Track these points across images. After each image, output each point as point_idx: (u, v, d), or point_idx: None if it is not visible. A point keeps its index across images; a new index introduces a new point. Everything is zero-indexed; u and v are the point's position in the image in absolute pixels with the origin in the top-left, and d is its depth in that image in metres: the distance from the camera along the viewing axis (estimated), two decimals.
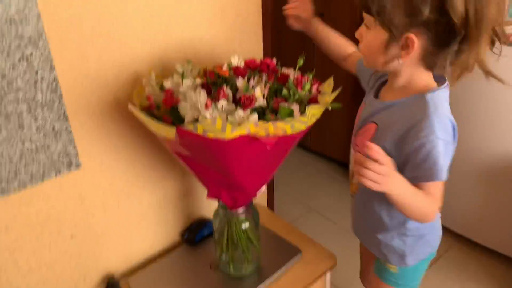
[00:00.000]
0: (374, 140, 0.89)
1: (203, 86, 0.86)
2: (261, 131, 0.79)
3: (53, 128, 0.91)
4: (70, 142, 0.95)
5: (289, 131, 0.82)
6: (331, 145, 2.79)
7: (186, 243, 1.25)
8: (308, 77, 0.90)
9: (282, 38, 2.59)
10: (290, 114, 0.82)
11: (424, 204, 0.84)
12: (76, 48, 0.89)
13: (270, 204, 1.57)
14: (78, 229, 1.04)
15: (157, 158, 1.14)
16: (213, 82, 0.91)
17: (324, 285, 1.23)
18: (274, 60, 0.97)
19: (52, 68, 0.86)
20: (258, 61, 0.96)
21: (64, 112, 0.91)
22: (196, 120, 0.80)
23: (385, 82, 0.96)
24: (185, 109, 0.81)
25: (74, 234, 1.04)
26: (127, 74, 0.99)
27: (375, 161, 0.72)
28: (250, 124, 0.76)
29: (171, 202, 1.22)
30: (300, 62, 0.94)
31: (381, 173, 0.73)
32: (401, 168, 0.82)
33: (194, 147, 0.85)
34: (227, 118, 0.79)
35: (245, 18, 1.18)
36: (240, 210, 1.04)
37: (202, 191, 1.28)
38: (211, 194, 1.01)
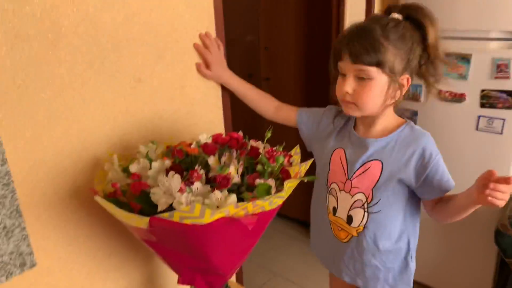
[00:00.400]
0: (383, 176, 1.01)
1: (172, 168, 0.83)
2: (240, 212, 0.75)
3: (4, 227, 0.81)
4: (24, 239, 0.85)
5: (268, 208, 0.79)
6: (289, 204, 2.78)
7: None
8: (279, 151, 0.89)
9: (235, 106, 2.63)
10: (268, 190, 0.80)
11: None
12: (30, 137, 0.82)
13: (239, 278, 1.50)
14: None
15: (120, 244, 1.05)
16: (182, 161, 0.87)
17: None
18: (241, 133, 0.97)
19: (3, 160, 0.79)
20: (225, 136, 0.94)
21: (17, 207, 0.82)
22: (170, 206, 0.75)
23: (344, 127, 1.11)
24: (157, 195, 0.76)
25: None
26: (86, 159, 0.93)
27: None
28: (229, 206, 0.73)
29: None
30: (268, 134, 0.94)
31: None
32: (421, 189, 1.01)
33: (167, 234, 0.79)
34: (203, 201, 0.75)
35: (205, 92, 1.18)
36: None
37: (169, 276, 1.19)
38: (183, 280, 0.93)
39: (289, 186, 0.83)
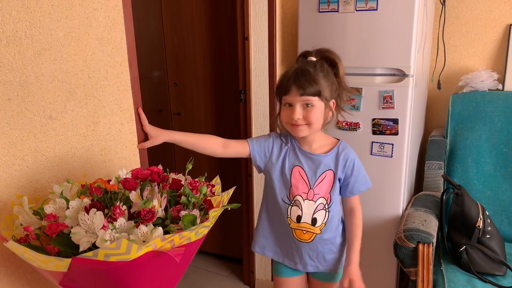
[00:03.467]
0: (335, 181, 1.34)
1: (92, 205, 0.80)
2: (166, 245, 0.76)
3: None
4: None
5: (194, 238, 0.81)
6: (205, 239, 2.76)
7: None
8: (202, 181, 0.92)
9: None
10: (193, 220, 0.81)
11: (360, 228, 1.40)
12: None
13: None
14: None
15: None
16: (100, 198, 0.85)
17: None
18: (160, 167, 0.97)
19: None
20: (145, 170, 0.94)
21: None
22: (92, 245, 0.73)
23: (292, 148, 1.36)
24: (79, 234, 0.73)
25: None
26: None
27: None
28: (156, 240, 0.73)
29: None
30: (189, 166, 0.97)
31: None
32: (348, 184, 1.35)
33: (90, 275, 0.76)
34: (128, 237, 0.74)
35: (119, 128, 1.17)
36: None
37: None
38: None
39: (214, 215, 0.85)
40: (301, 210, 1.35)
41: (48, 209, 0.81)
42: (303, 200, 1.35)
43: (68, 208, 0.80)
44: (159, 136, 1.25)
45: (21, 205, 0.83)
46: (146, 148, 1.28)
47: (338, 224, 1.42)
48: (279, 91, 1.27)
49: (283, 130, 1.39)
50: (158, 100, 2.64)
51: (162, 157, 2.54)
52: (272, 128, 2.11)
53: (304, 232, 1.37)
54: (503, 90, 2.14)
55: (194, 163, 1.00)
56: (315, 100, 1.23)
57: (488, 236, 1.76)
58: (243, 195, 2.36)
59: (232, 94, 2.36)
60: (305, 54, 1.33)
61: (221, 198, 0.96)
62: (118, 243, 0.68)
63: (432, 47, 2.27)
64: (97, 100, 1.09)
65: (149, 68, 2.64)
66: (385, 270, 2.04)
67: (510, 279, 1.66)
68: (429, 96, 2.35)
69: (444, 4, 2.19)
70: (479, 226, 1.73)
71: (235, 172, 2.43)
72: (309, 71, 1.22)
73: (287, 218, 1.38)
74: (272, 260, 1.52)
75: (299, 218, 1.36)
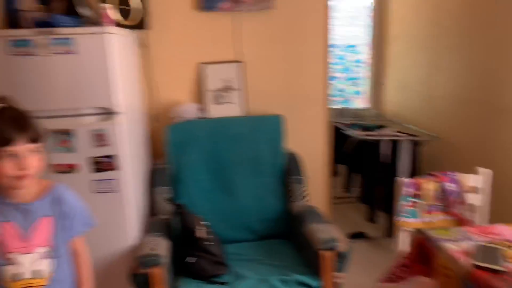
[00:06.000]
0: (57, 226, 1.29)
1: None
2: None
3: None
4: None
5: None
6: None
7: None
8: None
9: None
10: None
11: (87, 269, 1.41)
12: None
13: None
14: None
15: None
16: None
17: None
18: None
19: None
20: None
21: None
22: None
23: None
24: None
25: None
26: None
27: None
28: None
29: None
30: None
31: None
32: (66, 227, 1.32)
33: None
34: None
35: None
36: None
37: None
38: None
39: None
40: (19, 267, 1.24)
41: None
42: (20, 255, 1.24)
43: None
44: None
45: None
46: None
47: (69, 269, 1.37)
48: None
49: None
50: None
51: None
52: None
53: None
54: (206, 118, 2.54)
55: None
56: (39, 146, 1.22)
57: (210, 243, 2.05)
58: None
59: None
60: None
61: None
62: None
63: (145, 85, 2.49)
64: None
65: None
66: None
67: (231, 275, 1.96)
68: (151, 129, 2.55)
69: (148, 47, 2.45)
70: (199, 236, 1.99)
71: None
72: (26, 115, 1.20)
73: (2, 281, 1.24)
74: None
75: (17, 276, 1.24)
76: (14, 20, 2.09)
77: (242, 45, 2.56)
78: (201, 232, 2.00)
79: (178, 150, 2.38)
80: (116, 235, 2.00)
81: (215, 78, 2.55)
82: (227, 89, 2.55)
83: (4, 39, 1.77)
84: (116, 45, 1.88)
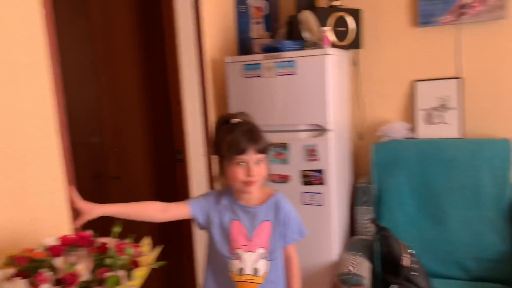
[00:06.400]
0: (273, 230, 1.40)
1: (17, 274, 0.82)
2: None
3: None
4: None
5: None
6: None
7: None
8: (129, 242, 0.97)
9: None
10: (117, 281, 0.86)
11: (297, 275, 1.49)
12: None
13: None
14: None
15: None
16: (26, 268, 0.87)
17: None
18: (91, 232, 1.01)
19: None
20: (73, 236, 0.98)
21: None
22: None
23: (228, 203, 1.42)
24: None
25: None
26: None
27: None
28: None
29: None
30: (117, 230, 1.01)
31: None
32: (282, 234, 1.42)
33: None
34: None
35: (49, 197, 1.20)
36: None
37: None
38: None
39: (139, 274, 0.90)
40: (243, 262, 1.39)
41: None
42: (244, 252, 1.40)
43: None
44: (92, 211, 1.24)
45: None
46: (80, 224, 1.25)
47: (281, 272, 1.47)
48: (232, 151, 1.32)
49: (225, 187, 1.45)
50: (95, 165, 2.65)
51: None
52: (211, 186, 2.19)
53: (247, 283, 1.40)
54: (415, 138, 2.39)
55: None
56: (264, 157, 1.35)
57: (415, 273, 1.90)
58: (184, 253, 2.37)
59: (169, 154, 2.44)
60: (229, 117, 1.41)
61: (150, 258, 1.00)
62: None
63: (353, 103, 2.52)
64: (28, 172, 1.13)
65: (87, 134, 2.67)
66: None
67: None
68: (355, 146, 2.56)
69: (358, 65, 2.47)
70: (404, 264, 1.87)
71: (182, 228, 2.44)
72: (258, 130, 1.37)
73: (230, 272, 1.41)
74: None
75: (241, 270, 1.40)
76: (246, 47, 2.43)
77: (462, 60, 2.32)
78: (407, 260, 1.87)
79: (383, 170, 2.31)
80: (319, 248, 2.06)
81: (428, 96, 2.37)
82: (442, 107, 2.34)
83: (240, 64, 2.07)
84: (332, 65, 1.96)
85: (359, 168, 2.54)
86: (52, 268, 0.86)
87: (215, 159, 1.46)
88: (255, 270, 1.41)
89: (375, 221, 2.07)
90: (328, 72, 1.93)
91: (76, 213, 1.26)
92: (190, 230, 2.31)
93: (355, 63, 2.46)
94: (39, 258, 0.89)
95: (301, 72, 1.96)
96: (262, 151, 1.35)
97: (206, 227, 1.45)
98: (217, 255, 1.43)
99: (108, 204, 1.29)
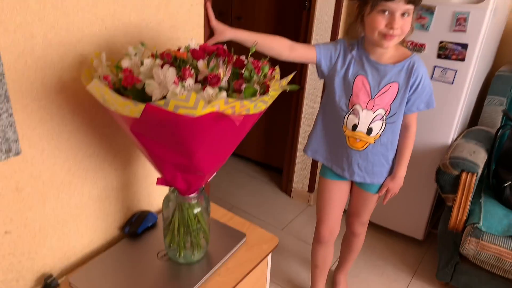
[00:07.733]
0: (399, 94, 1.32)
1: (165, 64, 0.86)
2: (228, 109, 0.82)
3: None
4: (11, 125, 0.87)
5: (252, 111, 0.86)
6: (247, 145, 2.89)
7: (128, 237, 1.21)
8: (265, 61, 0.95)
9: None
10: (254, 93, 0.86)
11: (411, 145, 1.44)
12: (21, 22, 0.82)
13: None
14: (13, 224, 0.94)
15: (99, 147, 1.09)
16: (171, 63, 0.91)
17: (267, 265, 1.29)
18: (225, 47, 1.01)
19: None
20: (212, 46, 0.98)
21: (6, 92, 0.83)
22: (163, 98, 0.80)
23: (358, 56, 1.33)
24: (152, 86, 0.80)
25: (9, 230, 0.94)
26: (73, 55, 0.94)
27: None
28: (220, 101, 0.79)
29: (112, 193, 1.17)
30: (253, 49, 1.00)
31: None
32: (409, 100, 1.34)
33: (157, 125, 0.84)
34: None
35: (188, 9, 1.20)
36: (193, 195, 1.05)
37: (142, 182, 1.26)
38: (163, 180, 1.00)
39: (272, 94, 0.90)
40: (358, 119, 1.35)
41: (125, 63, 0.88)
42: (362, 109, 1.35)
43: (142, 65, 0.87)
44: (225, 32, 1.22)
45: (100, 61, 0.91)
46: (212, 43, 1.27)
47: (394, 138, 1.41)
48: None
49: (355, 38, 1.34)
50: (220, 2, 2.62)
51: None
52: (333, 40, 2.07)
53: (358, 140, 1.39)
54: None
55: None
56: (412, 9, 1.20)
57: None
58: (293, 108, 2.40)
59: (296, 0, 2.30)
60: None
61: (280, 84, 0.99)
62: (188, 95, 0.74)
63: None
64: None
65: None
66: (421, 196, 2.08)
67: None
68: (507, 28, 2.18)
69: None
70: None
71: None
72: None
73: (342, 125, 1.39)
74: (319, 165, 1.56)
75: (354, 127, 1.37)
76: None
77: None
78: None
79: None
80: (437, 128, 1.94)
81: None
82: None
83: None
84: None
85: (505, 54, 2.20)
86: (195, 68, 0.89)
87: (354, 2, 1.32)
88: (370, 130, 1.37)
89: (507, 113, 1.85)
90: None
91: (209, 32, 1.26)
92: (301, 84, 2.29)
93: None
94: (182, 57, 0.92)
95: None
96: (413, 1, 1.17)
97: (327, 75, 1.39)
98: (332, 106, 1.39)
99: (240, 29, 1.26)
